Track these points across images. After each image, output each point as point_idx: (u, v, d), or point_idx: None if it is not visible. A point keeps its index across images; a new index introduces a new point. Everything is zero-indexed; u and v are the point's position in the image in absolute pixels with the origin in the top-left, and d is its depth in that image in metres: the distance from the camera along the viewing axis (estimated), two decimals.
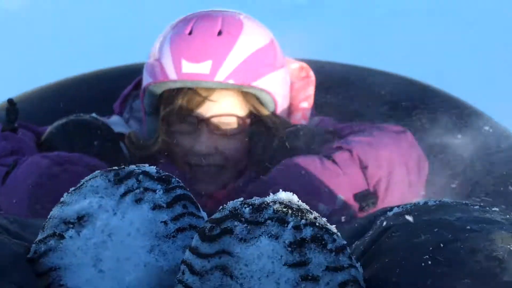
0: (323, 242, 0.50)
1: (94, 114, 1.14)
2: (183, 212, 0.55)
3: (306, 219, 0.50)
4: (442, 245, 0.53)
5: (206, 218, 0.56)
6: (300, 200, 0.53)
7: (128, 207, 0.53)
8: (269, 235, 0.50)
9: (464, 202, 0.62)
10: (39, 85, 1.46)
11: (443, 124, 1.35)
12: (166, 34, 1.13)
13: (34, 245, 0.54)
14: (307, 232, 0.50)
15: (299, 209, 0.51)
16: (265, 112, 1.11)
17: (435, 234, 0.55)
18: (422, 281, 0.51)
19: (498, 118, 1.39)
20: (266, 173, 1.05)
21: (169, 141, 1.11)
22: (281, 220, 0.50)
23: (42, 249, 0.53)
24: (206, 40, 1.07)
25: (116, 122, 1.18)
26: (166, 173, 0.56)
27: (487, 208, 0.60)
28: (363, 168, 1.02)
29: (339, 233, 0.52)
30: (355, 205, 1.01)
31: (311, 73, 1.26)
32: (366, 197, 1.02)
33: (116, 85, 1.34)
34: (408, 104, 1.41)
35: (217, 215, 0.52)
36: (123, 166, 0.56)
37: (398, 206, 0.66)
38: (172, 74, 1.07)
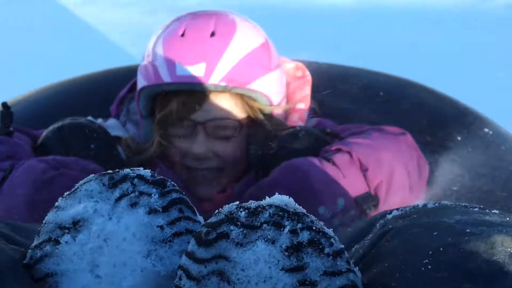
0: (320, 246, 0.49)
1: (90, 117, 1.13)
2: (179, 216, 0.54)
3: (303, 223, 0.50)
4: (441, 249, 0.53)
5: (202, 222, 0.56)
6: (297, 204, 0.53)
7: (123, 211, 0.53)
8: (265, 239, 0.49)
9: (463, 205, 0.62)
10: (34, 88, 1.45)
11: (441, 125, 1.35)
12: (159, 35, 1.12)
13: (30, 250, 0.54)
14: (304, 236, 0.49)
15: (295, 213, 0.50)
16: (261, 114, 1.11)
17: (434, 238, 0.55)
18: (422, 285, 0.50)
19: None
20: (265, 176, 1.04)
21: (166, 145, 1.10)
22: (277, 224, 0.50)
23: (38, 254, 0.53)
24: (199, 41, 1.07)
25: (112, 126, 1.18)
26: (161, 176, 0.56)
27: (487, 211, 0.60)
28: (364, 170, 1.02)
29: (336, 237, 0.51)
30: (356, 208, 1.01)
31: (307, 73, 1.25)
32: (367, 200, 1.01)
33: (112, 87, 1.34)
34: (408, 106, 1.41)
35: (212, 219, 0.51)
36: (117, 170, 0.56)
37: (397, 209, 0.65)
38: (166, 77, 1.06)
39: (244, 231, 0.50)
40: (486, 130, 1.33)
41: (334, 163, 1.01)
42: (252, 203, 0.52)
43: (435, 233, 0.55)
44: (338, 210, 0.99)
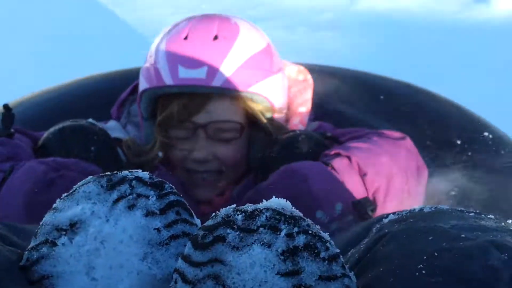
0: (316, 251, 0.49)
1: (91, 119, 1.13)
2: (176, 218, 0.54)
3: (299, 227, 0.50)
4: (436, 253, 0.53)
5: (199, 225, 0.56)
6: (294, 208, 0.53)
7: (120, 213, 0.53)
8: (261, 243, 0.49)
9: (459, 209, 0.62)
10: (36, 89, 1.46)
11: (441, 129, 1.35)
12: (161, 38, 1.12)
13: (26, 252, 0.54)
14: (300, 240, 0.50)
15: (292, 217, 0.51)
16: (262, 117, 1.11)
17: (429, 243, 0.55)
18: None
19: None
20: (264, 179, 1.04)
21: (166, 147, 1.10)
22: (274, 228, 0.50)
23: (35, 256, 0.53)
24: (201, 45, 1.07)
25: (113, 128, 1.18)
26: (159, 179, 0.56)
27: (483, 215, 0.60)
28: (362, 175, 1.02)
29: (332, 241, 0.51)
30: (354, 213, 1.00)
31: (309, 76, 1.25)
32: (365, 204, 1.01)
33: (113, 90, 1.34)
34: (408, 110, 1.41)
35: (209, 223, 0.51)
36: (115, 172, 0.56)
37: (394, 213, 0.65)
38: (168, 80, 1.07)
39: (241, 235, 0.50)
40: (486, 134, 1.33)
41: (333, 168, 1.01)
42: (249, 207, 0.52)
43: (430, 238, 0.55)
44: (336, 214, 0.99)
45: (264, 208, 0.51)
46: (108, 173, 0.56)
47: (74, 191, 0.55)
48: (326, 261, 0.50)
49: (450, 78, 2.43)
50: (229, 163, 1.11)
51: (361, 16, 3.22)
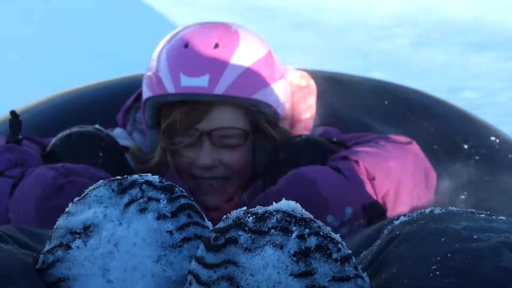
0: (328, 252, 0.50)
1: (98, 126, 1.14)
2: (188, 221, 0.55)
3: (310, 228, 0.50)
4: (449, 255, 0.53)
5: (211, 227, 0.56)
6: (304, 209, 0.53)
7: (132, 216, 0.53)
8: (273, 244, 0.50)
9: (470, 211, 0.62)
10: (43, 96, 1.47)
11: (447, 133, 1.35)
12: (163, 46, 1.13)
13: (42, 255, 0.54)
14: (312, 241, 0.50)
15: (302, 218, 0.51)
16: (266, 124, 1.11)
17: (442, 244, 0.55)
18: None
19: None
20: (272, 185, 1.04)
21: (172, 154, 1.11)
22: (285, 229, 0.50)
23: (50, 259, 0.53)
24: (202, 53, 1.08)
25: (119, 135, 1.18)
26: (169, 182, 0.56)
27: (493, 217, 0.60)
28: (371, 179, 1.02)
29: (343, 243, 0.51)
30: (364, 217, 1.00)
31: (312, 82, 1.25)
32: (375, 208, 1.01)
33: (118, 97, 1.35)
34: (414, 114, 1.41)
35: (221, 225, 0.52)
36: (126, 176, 0.56)
37: (404, 215, 0.65)
38: (170, 88, 1.07)
39: (252, 236, 0.50)
40: (492, 138, 1.33)
41: (341, 172, 1.01)
42: (260, 209, 0.52)
43: (442, 239, 0.55)
44: (346, 218, 0.99)
45: (275, 210, 0.52)
46: (119, 177, 0.57)
47: (85, 195, 0.55)
48: (339, 262, 0.50)
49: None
50: (235, 169, 1.11)
51: None
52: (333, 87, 1.44)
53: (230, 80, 1.07)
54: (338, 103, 1.42)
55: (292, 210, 0.52)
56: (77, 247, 0.52)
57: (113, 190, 0.55)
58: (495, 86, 2.77)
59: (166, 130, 1.09)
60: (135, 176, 0.56)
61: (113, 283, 0.52)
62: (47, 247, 0.54)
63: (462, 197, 1.21)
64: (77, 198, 0.56)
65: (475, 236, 0.54)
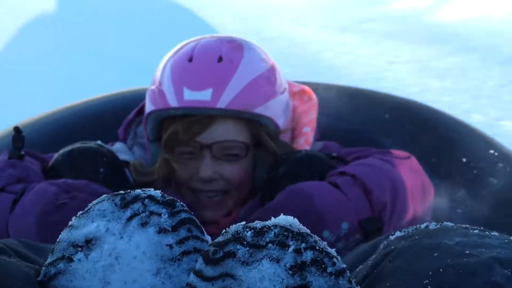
0: (323, 266, 0.51)
1: (99, 142, 1.15)
2: (188, 235, 0.56)
3: (307, 243, 0.52)
4: (441, 270, 0.54)
5: (210, 241, 0.57)
6: (301, 224, 0.54)
7: (134, 230, 0.55)
8: (270, 258, 0.51)
9: (464, 226, 0.63)
10: (45, 110, 1.48)
11: (446, 147, 1.36)
12: (167, 60, 1.14)
13: (44, 268, 0.56)
14: (308, 255, 0.51)
15: (299, 233, 0.52)
16: (268, 138, 1.12)
17: (435, 259, 0.56)
18: None
19: None
20: (271, 200, 1.05)
21: (172, 167, 1.11)
22: (282, 244, 0.51)
23: (52, 272, 0.55)
24: (206, 67, 1.09)
25: (119, 150, 1.19)
26: (171, 197, 0.58)
27: (487, 233, 0.61)
28: (368, 194, 1.03)
29: (339, 257, 0.53)
30: (360, 232, 1.01)
31: (314, 96, 1.26)
32: (371, 223, 1.01)
33: (120, 111, 1.36)
34: (413, 127, 1.42)
35: (220, 239, 0.53)
36: (129, 191, 0.58)
37: (400, 230, 0.67)
38: (173, 102, 1.08)
39: (250, 250, 0.52)
40: (491, 151, 1.34)
41: (338, 187, 1.02)
42: (258, 223, 0.54)
43: (435, 254, 0.57)
44: (342, 233, 1.00)
45: (273, 225, 0.53)
46: (122, 192, 0.58)
47: (89, 209, 0.57)
48: (333, 276, 0.51)
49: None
50: (235, 183, 1.12)
51: None
52: (333, 100, 1.45)
53: (233, 94, 1.07)
54: (339, 115, 1.44)
55: (290, 225, 0.53)
56: (79, 259, 0.54)
57: (116, 205, 0.56)
58: None
59: (167, 141, 1.10)
60: (138, 191, 0.58)
61: None
62: (49, 260, 0.55)
63: (459, 211, 1.22)
64: (81, 212, 0.57)
65: (468, 252, 0.55)
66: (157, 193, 0.58)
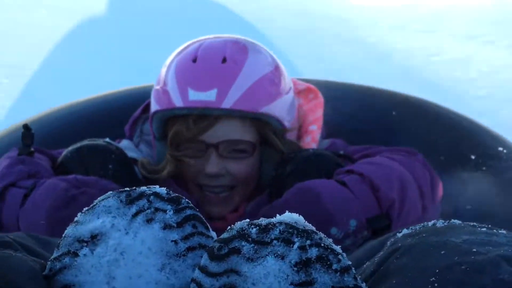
0: (328, 263, 0.51)
1: (107, 139, 1.16)
2: (193, 231, 0.56)
3: (312, 240, 0.52)
4: (448, 267, 0.54)
5: (215, 237, 0.57)
6: (307, 221, 0.54)
7: (139, 226, 0.55)
8: (275, 255, 0.51)
9: (472, 224, 0.63)
10: (53, 106, 1.49)
11: (454, 144, 1.35)
12: (171, 61, 1.15)
13: (49, 262, 0.56)
14: (313, 252, 0.51)
15: (304, 230, 0.52)
16: (273, 136, 1.12)
17: (442, 257, 0.56)
18: None
19: None
20: (278, 197, 1.05)
21: (178, 165, 1.12)
22: (287, 241, 0.51)
23: (57, 266, 0.55)
24: (210, 68, 1.09)
25: (126, 147, 1.20)
26: (176, 194, 0.58)
27: (494, 230, 0.61)
28: (376, 191, 1.03)
29: (344, 254, 0.52)
30: (368, 229, 1.01)
31: (320, 95, 1.26)
32: (379, 220, 1.01)
33: (126, 108, 1.36)
34: (421, 125, 1.41)
35: (225, 235, 0.53)
36: (134, 188, 0.58)
37: (408, 228, 0.67)
38: (178, 102, 1.09)
39: (255, 247, 0.52)
40: (500, 149, 1.33)
41: (346, 185, 1.02)
42: (263, 220, 0.54)
43: (442, 252, 0.56)
44: (350, 231, 1.00)
45: (278, 222, 0.53)
46: (127, 188, 0.58)
47: (94, 205, 0.57)
48: (338, 273, 0.51)
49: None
50: (241, 178, 1.12)
51: None
52: (340, 97, 1.44)
53: (237, 94, 1.08)
54: (345, 113, 1.43)
55: (295, 222, 0.53)
56: (84, 255, 0.54)
57: (121, 201, 0.57)
58: None
59: (172, 140, 1.11)
60: (144, 188, 0.58)
61: None
62: (54, 255, 0.56)
63: (468, 207, 1.21)
64: (86, 208, 0.57)
65: (475, 250, 0.55)
66: (162, 190, 0.58)
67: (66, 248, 0.55)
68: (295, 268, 0.51)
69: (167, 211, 0.56)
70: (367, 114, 1.43)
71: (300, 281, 0.50)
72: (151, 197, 0.56)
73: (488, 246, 0.56)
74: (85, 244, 0.55)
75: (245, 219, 0.57)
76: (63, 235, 0.56)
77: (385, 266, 0.60)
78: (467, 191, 1.25)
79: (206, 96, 1.07)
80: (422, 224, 0.66)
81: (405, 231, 0.66)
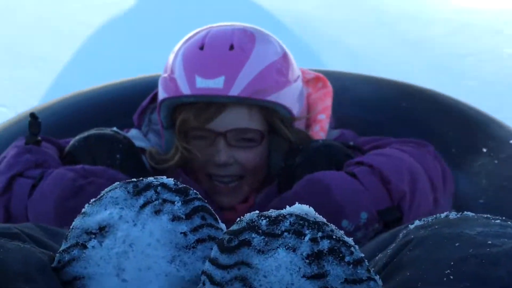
0: (341, 255, 0.50)
1: (115, 128, 1.15)
2: (202, 223, 0.55)
3: (323, 232, 0.51)
4: (463, 260, 0.53)
5: (224, 229, 0.57)
6: (318, 213, 0.53)
7: (147, 218, 0.54)
8: (286, 247, 0.50)
9: (485, 216, 0.62)
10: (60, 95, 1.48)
11: (466, 136, 1.33)
12: (179, 48, 1.14)
13: (58, 254, 0.56)
14: (324, 244, 0.50)
15: (315, 222, 0.51)
16: (282, 125, 1.11)
17: (456, 249, 0.55)
18: None
19: None
20: (288, 188, 1.04)
21: (187, 153, 1.11)
22: (298, 233, 0.51)
23: (66, 258, 0.54)
24: (218, 55, 1.08)
25: (134, 136, 1.20)
26: (184, 185, 0.57)
27: (509, 222, 0.60)
28: (386, 183, 1.02)
29: (356, 246, 0.52)
30: (379, 221, 1.00)
31: (328, 84, 1.25)
32: (390, 212, 1.00)
33: (137, 96, 1.36)
34: (432, 117, 1.40)
35: (234, 227, 0.52)
36: (141, 178, 0.57)
37: (420, 219, 0.66)
38: (185, 90, 1.08)
39: (266, 239, 0.51)
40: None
41: (356, 177, 1.01)
42: (273, 212, 0.53)
43: (456, 244, 0.55)
44: (361, 223, 0.99)
45: (288, 214, 0.52)
46: (134, 179, 0.58)
47: (101, 196, 0.57)
48: (351, 265, 0.50)
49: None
50: (250, 167, 1.11)
51: None
52: (350, 88, 1.43)
53: (245, 82, 1.07)
54: (355, 104, 1.42)
55: (305, 213, 0.52)
56: (93, 246, 0.54)
57: (128, 192, 0.56)
58: None
59: (180, 128, 1.10)
60: (151, 179, 0.57)
61: (127, 282, 0.53)
62: (63, 247, 0.55)
63: (481, 201, 1.20)
64: (93, 199, 0.57)
65: (490, 242, 0.54)
66: (170, 180, 0.57)
67: (74, 240, 0.54)
68: (307, 261, 0.50)
69: (175, 202, 0.55)
70: (377, 105, 1.42)
71: (313, 273, 0.49)
72: (159, 188, 0.56)
73: (503, 238, 0.55)
74: (93, 236, 0.54)
75: (255, 210, 0.56)
76: (71, 227, 0.56)
77: (398, 258, 0.59)
78: (479, 185, 1.24)
79: (213, 84, 1.06)
80: (434, 216, 0.65)
81: (417, 222, 0.65)
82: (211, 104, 1.08)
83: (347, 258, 0.50)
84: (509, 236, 0.56)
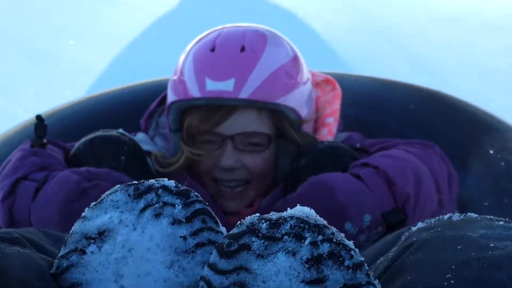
0: (341, 259, 0.50)
1: (121, 130, 1.15)
2: (202, 227, 0.55)
3: (324, 235, 0.50)
4: (465, 263, 0.52)
5: (225, 233, 0.56)
6: (323, 219, 0.53)
7: (147, 222, 0.54)
8: (286, 251, 0.50)
9: (488, 217, 0.61)
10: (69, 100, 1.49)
11: (472, 138, 1.32)
12: (189, 50, 1.14)
13: (56, 260, 0.55)
14: (324, 248, 0.50)
15: (316, 225, 0.51)
16: (290, 128, 1.11)
17: (458, 252, 0.54)
18: None
19: None
20: (293, 191, 1.04)
21: (194, 158, 1.11)
22: (298, 236, 0.50)
23: (65, 264, 0.54)
24: (229, 57, 1.08)
25: (141, 140, 1.19)
26: (185, 187, 0.57)
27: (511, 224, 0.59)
28: (391, 185, 1.01)
29: (356, 249, 0.51)
30: (383, 224, 1.00)
31: (337, 86, 1.25)
32: (394, 215, 1.00)
33: (142, 101, 1.36)
34: (438, 119, 1.39)
35: (234, 231, 0.52)
36: (142, 181, 0.57)
37: (422, 221, 0.65)
38: (196, 92, 1.08)
39: (265, 243, 0.51)
40: None
41: (360, 179, 1.00)
42: (274, 215, 0.52)
43: (459, 247, 0.55)
44: (364, 226, 0.98)
45: (289, 217, 0.52)
46: (135, 182, 0.57)
47: (102, 200, 0.56)
48: (351, 269, 0.50)
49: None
50: (257, 172, 1.11)
51: None
52: (359, 91, 1.43)
53: (255, 84, 1.06)
54: (363, 106, 1.41)
55: (306, 216, 0.52)
56: (92, 252, 0.53)
57: (129, 195, 0.56)
58: None
59: (188, 131, 1.10)
60: (152, 181, 0.57)
61: None
62: (62, 252, 0.55)
63: (486, 203, 1.19)
64: (94, 203, 0.57)
65: (492, 245, 0.54)
66: (171, 183, 0.57)
67: (73, 245, 0.54)
68: (307, 265, 0.49)
69: (176, 205, 0.55)
70: (385, 108, 1.41)
71: (312, 278, 0.49)
72: (160, 190, 0.55)
73: (506, 241, 0.54)
74: (93, 241, 0.54)
75: (261, 213, 0.55)
76: (71, 232, 0.55)
77: (400, 262, 0.58)
78: (485, 187, 1.23)
79: (223, 86, 1.06)
80: (437, 217, 0.65)
81: (420, 224, 0.64)
82: (221, 107, 1.07)
83: (346, 262, 0.50)
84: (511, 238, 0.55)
